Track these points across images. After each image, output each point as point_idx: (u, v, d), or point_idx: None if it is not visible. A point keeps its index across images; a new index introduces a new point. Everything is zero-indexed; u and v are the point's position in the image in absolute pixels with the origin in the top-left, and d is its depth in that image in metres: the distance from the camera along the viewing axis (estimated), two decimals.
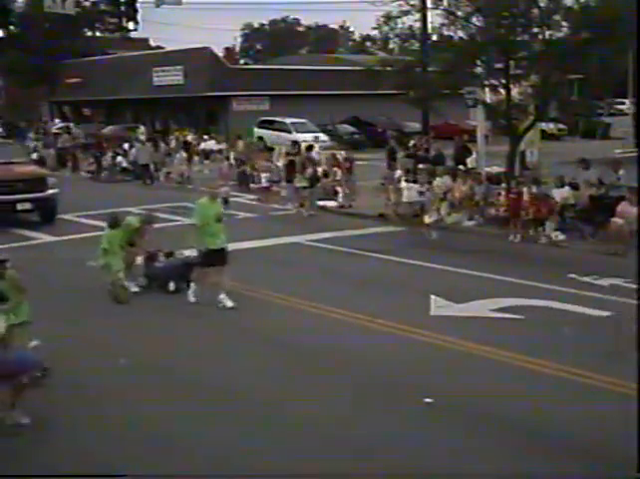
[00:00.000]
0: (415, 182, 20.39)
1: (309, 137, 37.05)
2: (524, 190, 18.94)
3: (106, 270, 13.19)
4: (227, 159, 31.84)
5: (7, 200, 19.97)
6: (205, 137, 37.90)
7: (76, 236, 19.30)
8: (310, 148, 26.43)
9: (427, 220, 19.54)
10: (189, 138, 36.65)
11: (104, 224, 14.12)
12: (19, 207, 20.38)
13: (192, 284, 13.04)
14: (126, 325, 11.91)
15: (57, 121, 52.90)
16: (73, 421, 8.42)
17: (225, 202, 22.29)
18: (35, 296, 10.01)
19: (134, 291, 13.45)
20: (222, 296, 12.60)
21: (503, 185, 20.45)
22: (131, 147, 33.10)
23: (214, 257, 12.59)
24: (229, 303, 12.53)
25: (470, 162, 24.28)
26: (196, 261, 12.96)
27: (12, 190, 20.12)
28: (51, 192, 20.98)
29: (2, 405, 8.11)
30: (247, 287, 13.82)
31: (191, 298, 12.89)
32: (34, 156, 31.10)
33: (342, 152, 28.25)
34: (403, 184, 20.51)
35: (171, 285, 13.64)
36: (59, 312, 12.21)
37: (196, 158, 32.56)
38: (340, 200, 23.81)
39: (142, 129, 42.57)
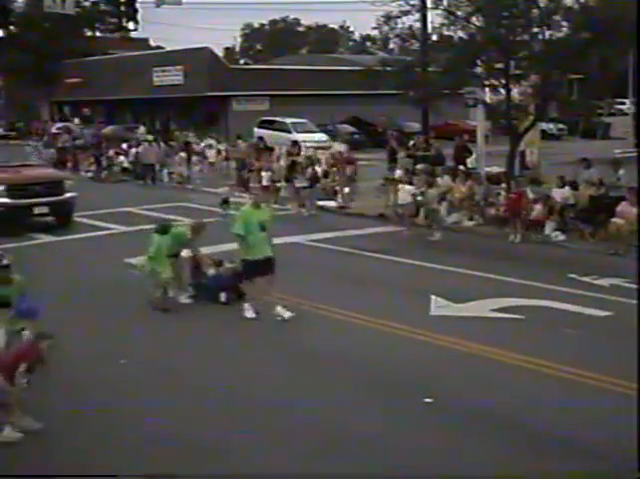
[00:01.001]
0: (410, 183, 20.34)
1: (316, 137, 37.43)
2: (522, 190, 18.97)
3: (152, 277, 12.54)
4: (227, 159, 31.88)
5: (24, 204, 19.30)
6: (209, 138, 37.78)
7: (77, 235, 19.32)
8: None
9: (422, 221, 19.55)
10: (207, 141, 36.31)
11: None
12: (36, 211, 19.69)
13: (247, 302, 12.17)
14: (124, 323, 11.92)
15: (76, 120, 52.43)
16: (74, 421, 8.42)
17: (225, 202, 22.36)
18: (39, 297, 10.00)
19: (185, 303, 12.82)
20: (278, 309, 11.90)
21: (504, 185, 20.46)
22: (130, 147, 33.11)
23: (259, 268, 11.83)
24: (287, 314, 11.86)
25: (470, 162, 24.30)
26: (241, 274, 12.25)
27: (29, 193, 19.44)
28: (68, 195, 20.25)
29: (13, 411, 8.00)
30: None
31: (248, 314, 11.98)
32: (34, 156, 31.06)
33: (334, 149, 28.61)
34: (399, 185, 20.47)
35: (223, 296, 12.75)
36: (65, 313, 12.21)
37: (195, 158, 32.51)
38: (340, 200, 23.81)
39: (141, 129, 42.55)
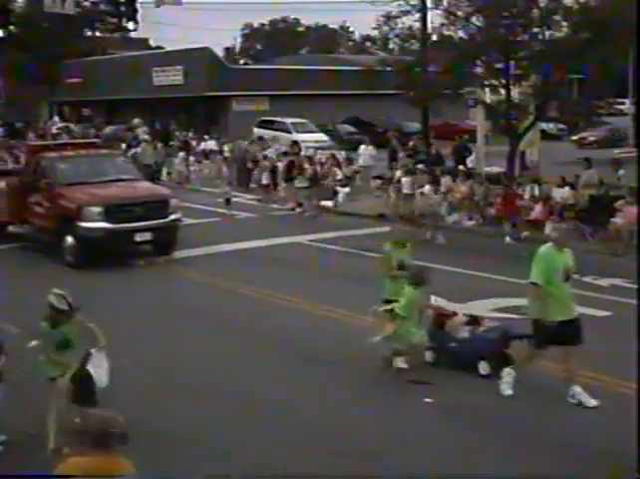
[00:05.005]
0: (435, 183, 20.11)
1: (316, 137, 37.45)
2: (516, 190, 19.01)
3: (400, 341, 9.70)
4: (226, 159, 31.89)
5: (124, 229, 15.69)
6: (206, 137, 37.87)
7: None
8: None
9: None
10: (212, 143, 36.15)
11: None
12: (138, 237, 16.01)
13: (510, 370, 9.16)
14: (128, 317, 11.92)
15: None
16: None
17: (228, 202, 22.42)
18: None
19: (402, 367, 9.83)
20: (577, 390, 8.81)
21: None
22: (129, 147, 33.11)
23: (560, 335, 8.73)
24: (592, 402, 8.69)
25: (469, 161, 24.32)
26: (531, 337, 9.17)
27: (130, 216, 15.81)
28: (173, 217, 16.58)
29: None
30: (247, 287, 13.84)
31: (506, 391, 9.03)
32: None
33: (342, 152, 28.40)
34: (427, 187, 20.05)
35: (483, 367, 9.67)
36: None
37: (192, 158, 32.49)
38: (340, 200, 23.81)
39: (141, 126, 42.21)
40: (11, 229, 18.21)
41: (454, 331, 10.08)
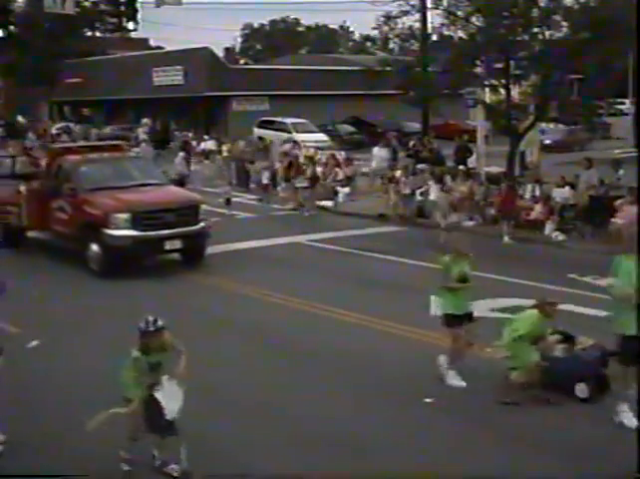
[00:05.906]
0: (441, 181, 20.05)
1: (316, 137, 37.33)
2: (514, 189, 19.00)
3: (514, 361, 9.06)
4: (226, 159, 31.90)
5: (154, 236, 14.87)
6: (205, 137, 37.88)
7: None
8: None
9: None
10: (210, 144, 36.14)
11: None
12: (168, 245, 15.18)
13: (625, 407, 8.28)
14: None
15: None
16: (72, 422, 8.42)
17: (228, 202, 22.44)
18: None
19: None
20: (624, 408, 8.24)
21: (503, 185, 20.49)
22: (131, 147, 33.09)
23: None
24: (632, 421, 8.07)
25: (470, 162, 24.33)
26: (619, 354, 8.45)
27: (159, 223, 14.97)
28: (203, 224, 15.76)
29: None
30: (247, 287, 13.84)
31: (632, 421, 8.07)
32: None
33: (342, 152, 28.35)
34: (433, 185, 19.91)
35: (582, 389, 8.90)
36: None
37: (194, 158, 32.49)
38: (340, 200, 23.82)
39: (141, 128, 42.18)
40: (31, 234, 17.39)
41: (547, 350, 9.25)
